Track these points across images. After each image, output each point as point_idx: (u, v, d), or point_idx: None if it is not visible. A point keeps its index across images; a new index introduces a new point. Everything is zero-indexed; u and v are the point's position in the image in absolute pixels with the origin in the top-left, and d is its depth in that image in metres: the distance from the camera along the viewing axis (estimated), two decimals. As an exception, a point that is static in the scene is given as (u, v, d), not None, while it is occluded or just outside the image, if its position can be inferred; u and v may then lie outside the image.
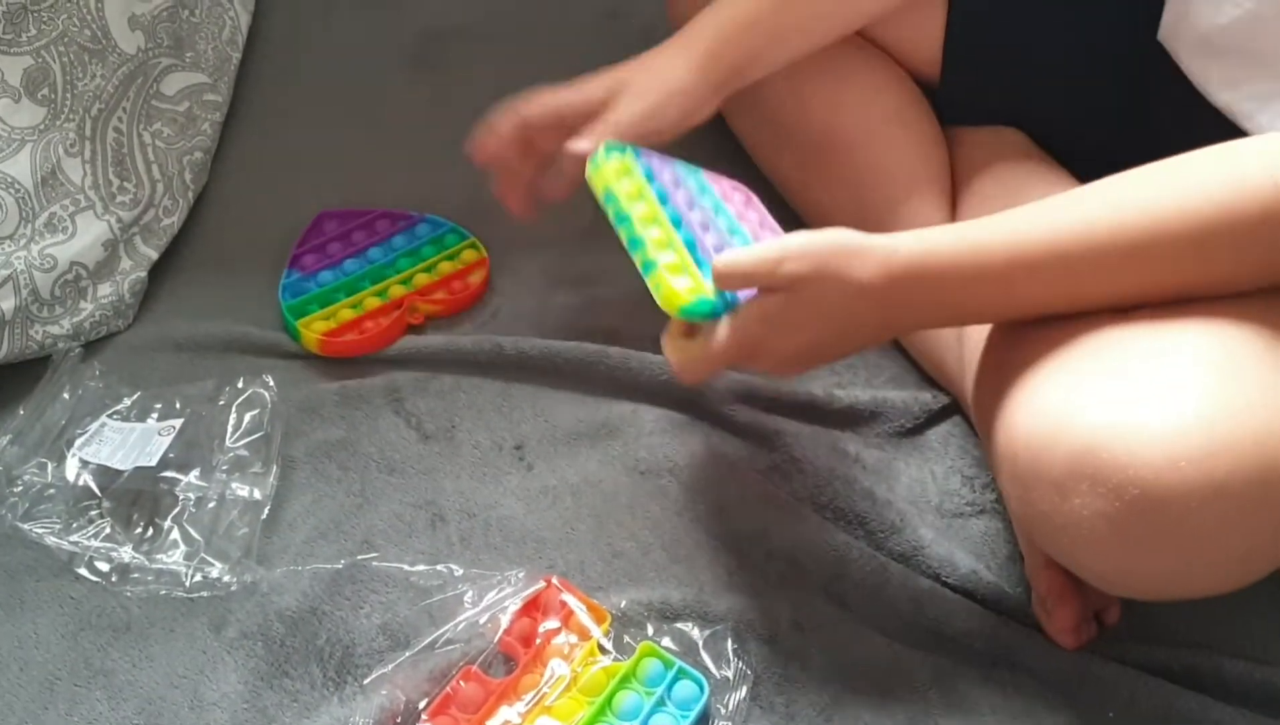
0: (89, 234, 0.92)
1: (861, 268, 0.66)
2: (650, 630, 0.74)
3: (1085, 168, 0.84)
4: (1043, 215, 0.66)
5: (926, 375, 0.89)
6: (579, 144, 0.80)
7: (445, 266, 0.97)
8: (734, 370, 0.77)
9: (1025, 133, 0.93)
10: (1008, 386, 0.63)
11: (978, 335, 0.74)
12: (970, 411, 0.84)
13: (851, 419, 0.87)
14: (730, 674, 0.72)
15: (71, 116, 0.93)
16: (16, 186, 0.88)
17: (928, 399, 0.87)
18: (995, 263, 0.64)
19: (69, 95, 0.93)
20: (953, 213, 0.91)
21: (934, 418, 0.87)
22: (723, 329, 0.68)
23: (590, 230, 1.02)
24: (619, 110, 0.81)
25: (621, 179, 0.76)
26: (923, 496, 0.83)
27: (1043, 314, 0.65)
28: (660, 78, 0.84)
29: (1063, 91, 0.91)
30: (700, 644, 0.73)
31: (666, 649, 0.72)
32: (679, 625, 0.74)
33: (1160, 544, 0.56)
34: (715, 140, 1.07)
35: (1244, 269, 0.61)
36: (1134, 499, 0.55)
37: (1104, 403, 0.57)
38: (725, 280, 0.69)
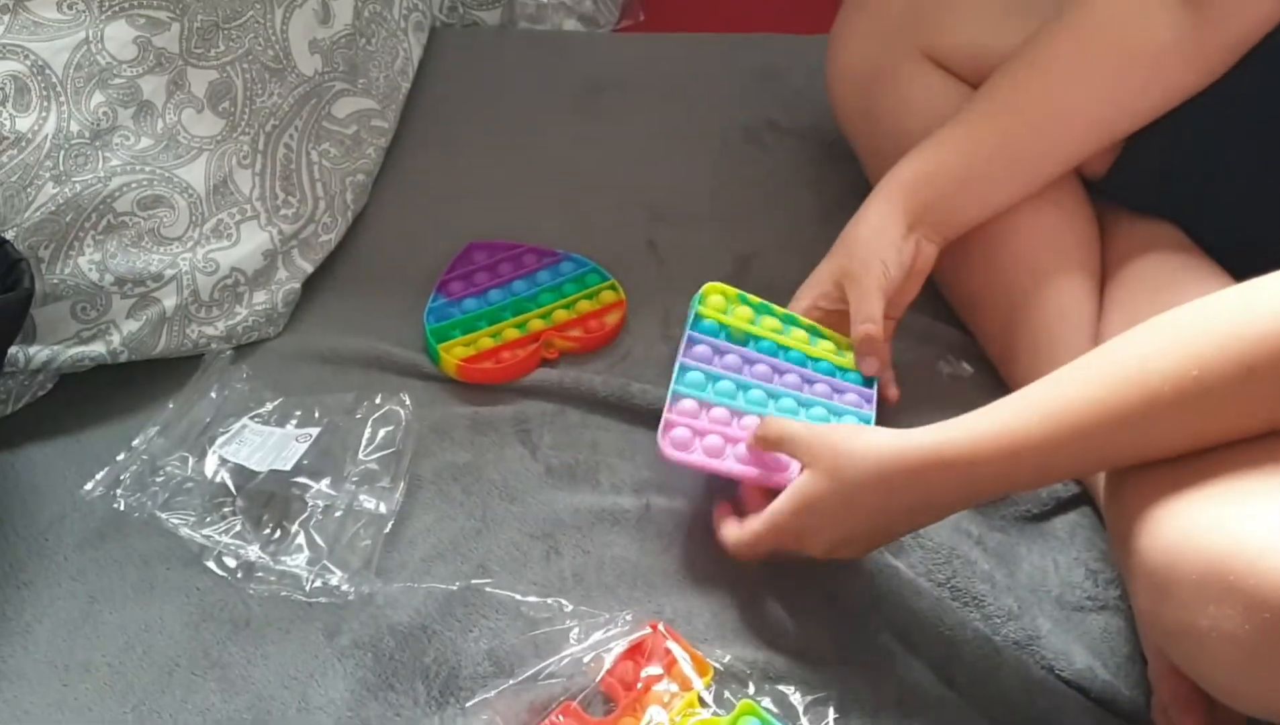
0: (251, 242, 0.96)
1: (881, 462, 0.69)
2: (752, 689, 0.73)
3: (1238, 267, 0.82)
4: (1053, 391, 0.65)
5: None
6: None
7: (584, 305, 0.99)
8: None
9: (1181, 227, 0.91)
10: (1144, 493, 0.61)
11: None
12: (1101, 506, 0.82)
13: (978, 499, 0.85)
14: (830, 743, 0.71)
15: (247, 130, 0.98)
16: (190, 191, 0.93)
17: (1057, 486, 0.85)
18: (1015, 447, 0.65)
19: (247, 110, 0.98)
20: (1099, 301, 0.89)
21: (1062, 506, 0.85)
22: (764, 517, 0.75)
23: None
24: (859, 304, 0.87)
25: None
26: (1043, 585, 0.80)
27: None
28: (870, 247, 0.87)
29: (1232, 198, 0.88)
30: (801, 709, 0.72)
31: (767, 710, 0.71)
32: (781, 688, 0.73)
33: None
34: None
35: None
36: (1266, 621, 0.52)
37: (1240, 519, 0.55)
38: (764, 442, 0.78)
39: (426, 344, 0.95)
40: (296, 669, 0.74)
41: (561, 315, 0.98)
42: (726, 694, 0.73)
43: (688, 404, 0.84)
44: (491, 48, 1.28)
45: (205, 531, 0.80)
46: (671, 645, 0.74)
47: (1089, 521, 0.84)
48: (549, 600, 0.77)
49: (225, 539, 0.80)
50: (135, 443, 0.85)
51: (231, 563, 0.79)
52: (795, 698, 0.73)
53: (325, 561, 0.79)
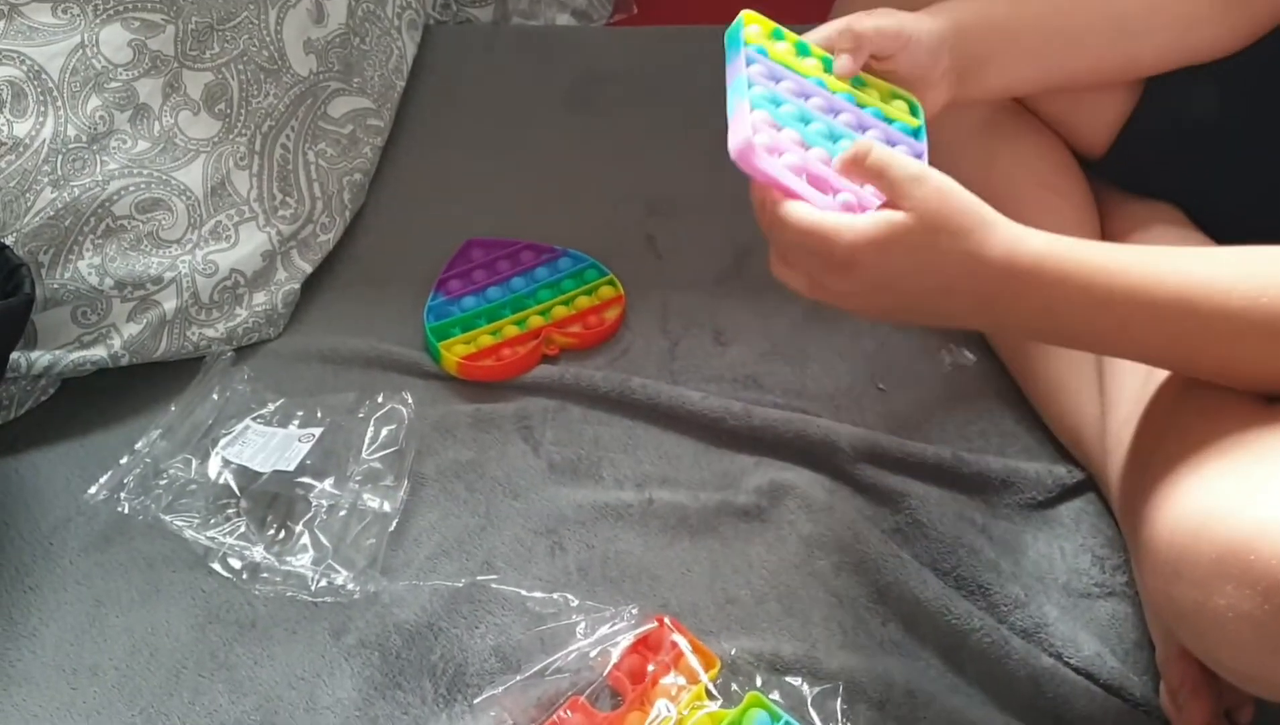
0: (250, 244, 0.96)
1: (986, 239, 0.62)
2: (759, 681, 0.73)
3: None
4: (1180, 264, 0.63)
5: (1061, 449, 0.87)
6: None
7: (583, 301, 0.99)
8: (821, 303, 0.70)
9: (1181, 208, 0.91)
10: (1156, 477, 0.61)
11: (1122, 414, 0.72)
12: (1108, 491, 0.82)
13: (981, 486, 0.85)
14: (837, 734, 0.71)
15: (244, 131, 0.98)
16: (188, 194, 0.93)
17: (1062, 473, 0.85)
18: (1119, 295, 0.62)
19: (243, 111, 0.98)
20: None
21: (1067, 493, 0.85)
22: (844, 233, 0.64)
23: (723, 277, 1.03)
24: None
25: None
26: (1050, 573, 0.81)
27: (1144, 362, 0.63)
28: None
29: (1235, 179, 0.88)
30: (808, 700, 0.72)
31: (774, 702, 0.71)
32: (788, 679, 0.73)
33: None
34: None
35: None
36: None
37: (1255, 503, 0.55)
38: (857, 167, 0.66)
39: (427, 342, 0.95)
40: (303, 669, 0.75)
41: (561, 311, 0.98)
42: (733, 686, 0.73)
43: (760, 115, 0.71)
44: (485, 44, 1.28)
45: (210, 533, 0.80)
46: (677, 638, 0.74)
47: (1094, 508, 0.84)
48: (554, 595, 0.77)
49: (230, 540, 0.80)
50: (138, 446, 0.85)
51: (236, 564, 0.79)
52: (802, 689, 0.73)
53: (330, 561, 0.79)
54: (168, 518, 0.81)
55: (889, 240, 0.63)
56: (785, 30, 0.80)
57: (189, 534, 0.81)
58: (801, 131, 0.72)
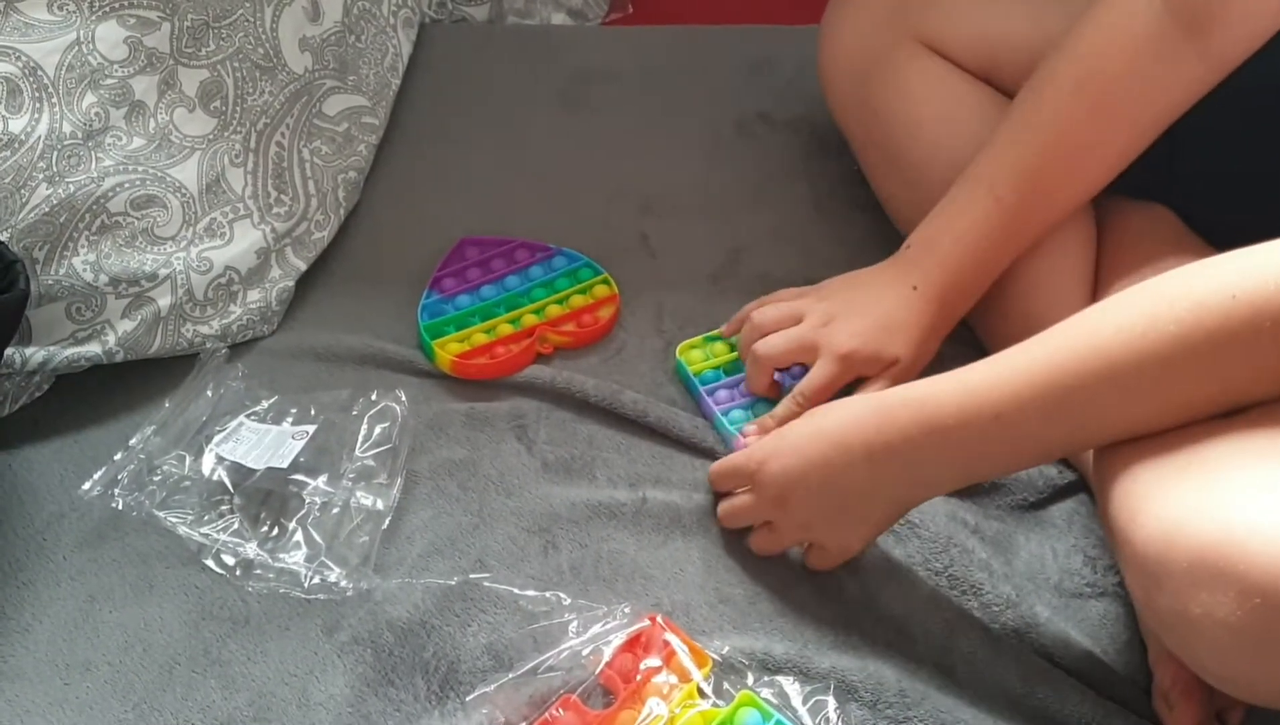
0: (245, 241, 0.96)
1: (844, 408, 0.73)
2: (750, 680, 0.74)
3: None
4: (1020, 362, 0.66)
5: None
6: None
7: (577, 300, 0.99)
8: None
9: (1175, 212, 0.91)
10: (1133, 482, 0.61)
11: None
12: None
13: (973, 488, 0.85)
14: (829, 733, 0.71)
15: (239, 129, 0.98)
16: (183, 191, 0.93)
17: (1053, 474, 0.86)
18: (989, 411, 0.66)
19: (239, 109, 0.98)
20: (1093, 287, 0.89)
21: (1059, 493, 0.85)
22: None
23: (717, 276, 1.03)
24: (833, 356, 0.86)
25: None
26: (1041, 573, 0.81)
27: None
28: (880, 309, 0.86)
29: (1228, 184, 0.89)
30: (800, 699, 0.73)
31: (766, 701, 0.72)
32: (780, 678, 0.74)
33: None
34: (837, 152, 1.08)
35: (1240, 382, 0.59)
36: (1256, 607, 0.53)
37: (1228, 505, 0.55)
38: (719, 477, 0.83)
39: (421, 340, 0.95)
40: (296, 665, 0.75)
41: (555, 310, 0.98)
42: (725, 685, 0.73)
43: (750, 427, 0.87)
44: (480, 43, 1.28)
45: (203, 529, 0.81)
46: (670, 637, 0.74)
47: (1086, 508, 0.85)
48: (547, 594, 0.78)
49: (223, 537, 0.80)
50: (132, 442, 0.85)
51: (230, 560, 0.80)
52: (794, 688, 0.73)
53: (323, 558, 0.79)
54: (161, 514, 0.81)
55: (782, 434, 0.78)
56: (711, 335, 0.95)
57: (182, 530, 0.81)
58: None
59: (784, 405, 0.86)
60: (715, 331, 0.95)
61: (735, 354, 0.93)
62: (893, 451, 0.70)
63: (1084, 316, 0.65)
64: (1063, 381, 0.63)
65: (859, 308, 0.87)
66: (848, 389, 0.86)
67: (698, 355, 0.94)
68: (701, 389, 0.91)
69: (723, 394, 0.91)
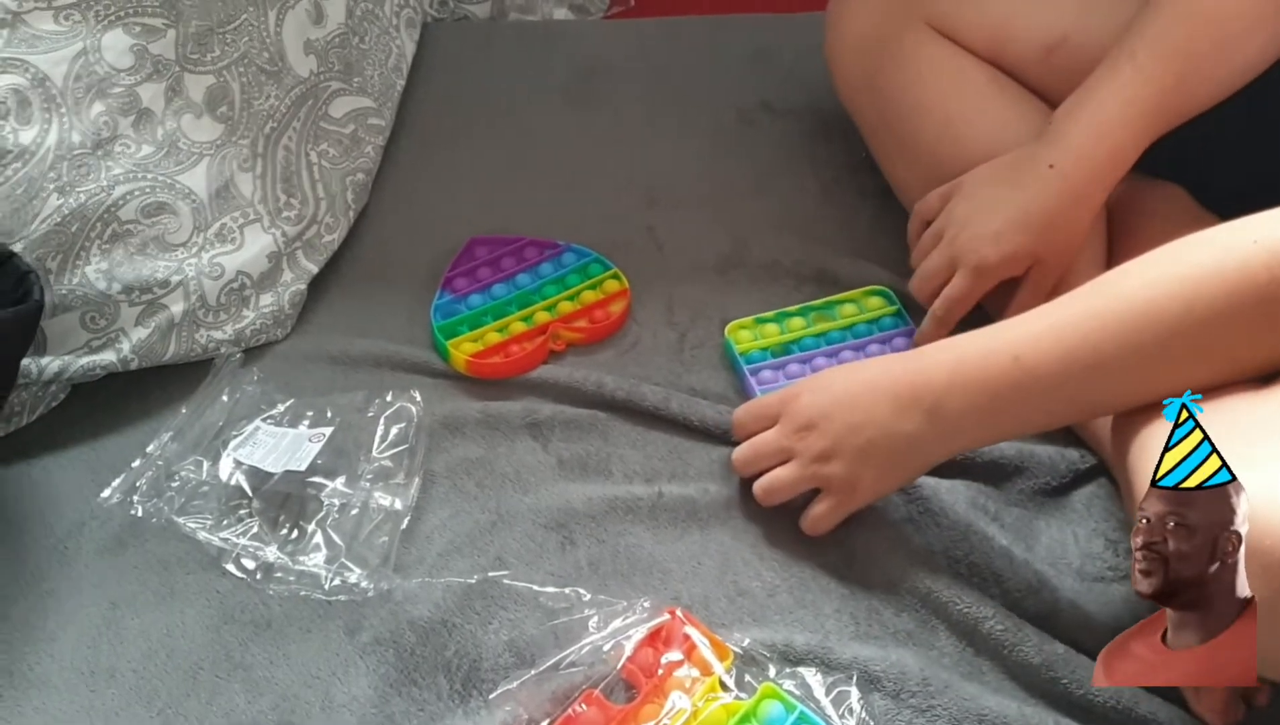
0: (256, 245, 0.96)
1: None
2: (772, 672, 0.74)
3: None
4: (1051, 329, 0.68)
5: (1074, 434, 0.87)
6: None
7: (588, 295, 0.99)
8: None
9: (1188, 190, 0.91)
10: (1149, 464, 0.61)
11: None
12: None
13: (993, 473, 0.85)
14: (852, 724, 0.71)
15: (246, 134, 0.98)
16: (193, 197, 0.93)
17: (1075, 458, 0.85)
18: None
19: (245, 113, 0.98)
20: (1105, 266, 0.89)
21: (1080, 478, 0.85)
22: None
23: (728, 267, 1.03)
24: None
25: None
26: (1063, 558, 0.81)
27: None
28: (1016, 202, 0.86)
29: (1241, 163, 0.88)
30: (823, 691, 0.72)
31: (788, 692, 0.72)
32: (801, 670, 0.74)
33: None
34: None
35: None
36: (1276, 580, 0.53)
37: (1248, 483, 0.55)
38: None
39: (435, 341, 0.95)
40: (319, 668, 0.75)
41: (566, 306, 0.98)
42: (747, 677, 0.73)
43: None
44: (483, 40, 1.28)
45: (223, 534, 0.81)
46: (690, 630, 0.74)
47: (1105, 492, 0.84)
48: (566, 590, 0.78)
49: (243, 541, 0.80)
50: (150, 449, 0.85)
51: (250, 564, 0.80)
52: (817, 679, 0.73)
53: (343, 559, 0.79)
54: (181, 520, 0.81)
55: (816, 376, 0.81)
56: (762, 315, 0.97)
57: (202, 535, 0.81)
58: None
59: (927, 322, 0.89)
60: (769, 313, 0.97)
61: (783, 336, 0.95)
62: (917, 394, 0.72)
63: (1103, 276, 0.67)
64: (1082, 323, 0.65)
65: (995, 204, 0.87)
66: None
67: (746, 335, 0.95)
68: (745, 368, 0.92)
69: (767, 374, 0.92)
